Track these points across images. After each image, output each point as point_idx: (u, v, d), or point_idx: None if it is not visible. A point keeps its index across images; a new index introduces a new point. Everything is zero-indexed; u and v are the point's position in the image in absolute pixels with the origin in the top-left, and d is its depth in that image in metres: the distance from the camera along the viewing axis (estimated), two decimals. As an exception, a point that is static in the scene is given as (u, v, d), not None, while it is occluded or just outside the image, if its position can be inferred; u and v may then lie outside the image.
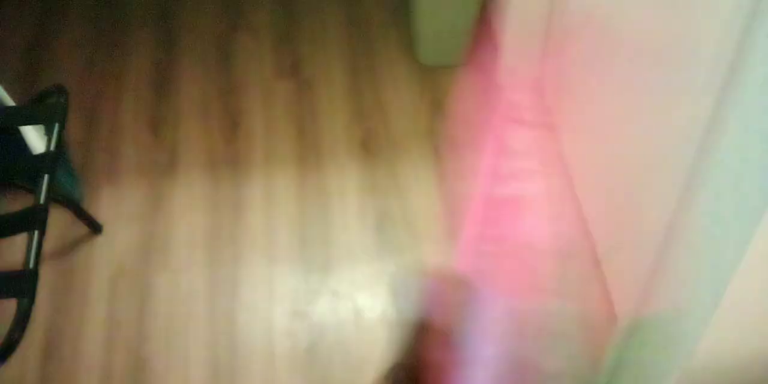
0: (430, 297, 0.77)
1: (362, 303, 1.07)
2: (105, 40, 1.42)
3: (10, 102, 1.03)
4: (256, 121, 1.28)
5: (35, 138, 1.04)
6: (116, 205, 1.17)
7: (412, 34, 1.35)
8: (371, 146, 1.25)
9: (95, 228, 1.14)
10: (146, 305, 1.07)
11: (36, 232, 0.81)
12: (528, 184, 0.96)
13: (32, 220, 0.83)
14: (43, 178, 0.87)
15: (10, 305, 0.76)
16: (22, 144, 1.03)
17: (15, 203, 1.08)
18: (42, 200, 0.85)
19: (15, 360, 0.94)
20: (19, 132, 1.02)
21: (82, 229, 1.13)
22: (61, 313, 1.06)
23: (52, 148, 0.90)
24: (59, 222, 1.13)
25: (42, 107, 0.98)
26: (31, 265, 0.79)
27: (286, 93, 1.32)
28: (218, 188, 1.19)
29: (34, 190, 0.86)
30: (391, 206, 1.16)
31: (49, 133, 0.92)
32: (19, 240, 0.83)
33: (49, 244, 1.11)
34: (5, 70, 1.33)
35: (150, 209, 1.17)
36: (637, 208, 0.87)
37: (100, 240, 1.14)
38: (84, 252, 1.12)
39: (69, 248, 1.13)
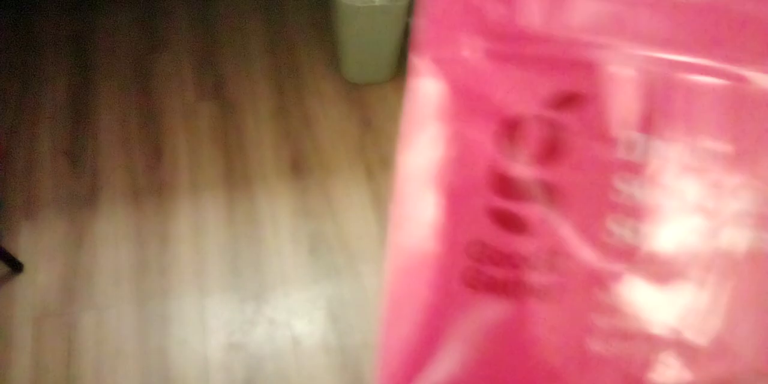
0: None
1: (300, 330, 1.04)
2: (16, 69, 1.35)
3: None
4: (179, 146, 1.24)
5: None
6: (36, 242, 1.12)
7: (337, 51, 1.32)
8: (301, 168, 1.22)
9: (15, 267, 1.08)
10: (73, 345, 1.02)
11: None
12: None
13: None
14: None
15: None
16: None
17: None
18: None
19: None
20: None
21: (2, 268, 1.07)
22: (-19, 360, 1.00)
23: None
24: (-26, 263, 1.07)
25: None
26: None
27: (209, 115, 1.28)
28: (143, 218, 1.14)
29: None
30: (325, 228, 1.14)
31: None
32: None
33: (-36, 288, 1.05)
34: None
35: (72, 244, 1.11)
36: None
37: (21, 279, 1.08)
38: (4, 292, 1.07)
39: (-13, 290, 1.07)
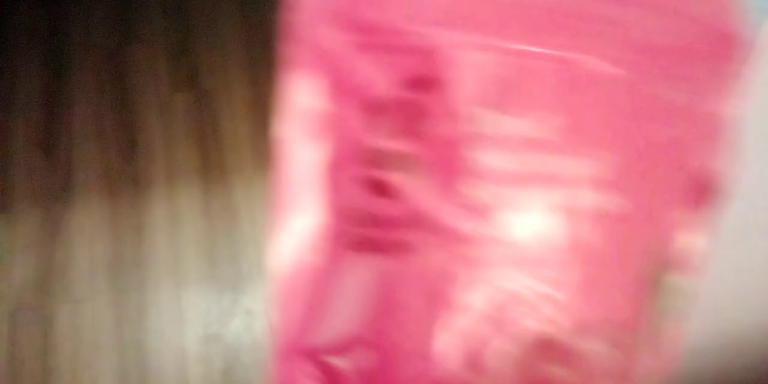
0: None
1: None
2: (-10, 60, 1.34)
3: None
4: (154, 137, 1.23)
5: None
6: (10, 235, 1.11)
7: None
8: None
9: (-11, 261, 1.08)
10: (50, 339, 1.02)
11: None
12: None
13: None
14: None
15: None
16: None
17: None
18: None
19: None
20: None
21: (-25, 263, 1.07)
22: (-45, 355, 1.00)
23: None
24: (-52, 257, 1.07)
25: None
26: None
27: (185, 107, 1.27)
28: (118, 211, 1.14)
29: None
30: (302, 218, 1.13)
31: None
32: None
33: (-63, 282, 1.05)
34: None
35: (47, 237, 1.11)
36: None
37: (-5, 273, 1.08)
38: (-21, 287, 1.06)
39: (-39, 285, 1.07)
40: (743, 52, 0.34)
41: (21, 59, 1.34)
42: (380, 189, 0.26)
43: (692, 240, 0.36)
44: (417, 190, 0.26)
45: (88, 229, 1.12)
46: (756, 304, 0.82)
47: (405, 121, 0.26)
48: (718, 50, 0.34)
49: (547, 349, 0.29)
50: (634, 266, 0.31)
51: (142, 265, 1.08)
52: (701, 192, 0.34)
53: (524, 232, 0.28)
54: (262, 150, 1.22)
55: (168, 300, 1.05)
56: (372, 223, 0.26)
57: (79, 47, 1.36)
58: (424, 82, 0.26)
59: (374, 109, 0.26)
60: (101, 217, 1.13)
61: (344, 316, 0.26)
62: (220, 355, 1.00)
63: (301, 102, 0.26)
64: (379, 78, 0.26)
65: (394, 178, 0.26)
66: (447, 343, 0.27)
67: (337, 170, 0.26)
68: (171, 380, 0.98)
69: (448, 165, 0.26)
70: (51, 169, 1.19)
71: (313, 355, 0.27)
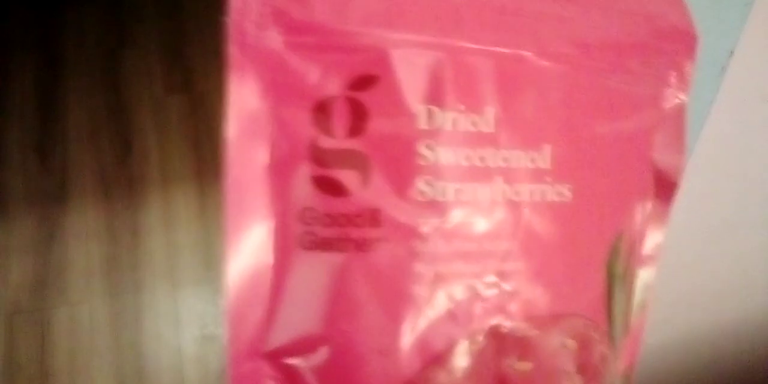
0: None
1: (273, 321, 1.04)
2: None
3: None
4: (149, 140, 1.24)
5: None
6: (6, 239, 1.11)
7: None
8: (272, 159, 1.22)
9: (-14, 264, 1.08)
10: (47, 342, 1.02)
11: None
12: None
13: None
14: None
15: None
16: None
17: None
18: None
19: None
20: None
21: (-28, 266, 1.07)
22: (-47, 358, 1.00)
23: None
24: (-56, 261, 1.07)
25: None
26: None
27: (179, 109, 1.28)
28: (114, 213, 1.14)
29: None
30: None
31: None
32: None
33: (-66, 286, 1.05)
34: None
35: (43, 240, 1.11)
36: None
37: (-8, 276, 1.08)
38: (-24, 291, 1.07)
39: (-43, 288, 1.07)
40: (692, 47, 0.35)
41: (16, 62, 1.34)
42: (331, 187, 0.26)
43: (654, 233, 0.36)
44: (372, 187, 0.26)
45: (83, 232, 1.12)
46: (708, 302, 0.83)
47: (350, 120, 0.26)
48: (668, 45, 0.35)
49: (510, 344, 0.29)
50: (594, 259, 0.32)
51: (137, 266, 1.08)
52: (659, 184, 0.35)
53: (479, 227, 0.28)
54: (256, 151, 1.20)
55: (164, 301, 1.05)
56: (325, 222, 0.26)
57: (74, 50, 1.37)
58: (370, 81, 0.27)
59: (318, 108, 0.26)
60: (97, 219, 1.13)
61: (301, 315, 0.26)
62: (216, 355, 1.01)
63: (242, 104, 0.27)
64: (320, 78, 0.26)
65: (344, 176, 0.26)
66: (409, 340, 0.27)
67: (283, 170, 0.26)
68: (168, 381, 0.98)
69: (397, 162, 0.27)
70: (46, 172, 1.19)
71: (271, 357, 0.27)
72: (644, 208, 0.34)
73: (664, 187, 0.34)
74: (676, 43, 0.34)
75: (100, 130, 1.24)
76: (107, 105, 1.28)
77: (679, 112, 0.35)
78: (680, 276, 0.78)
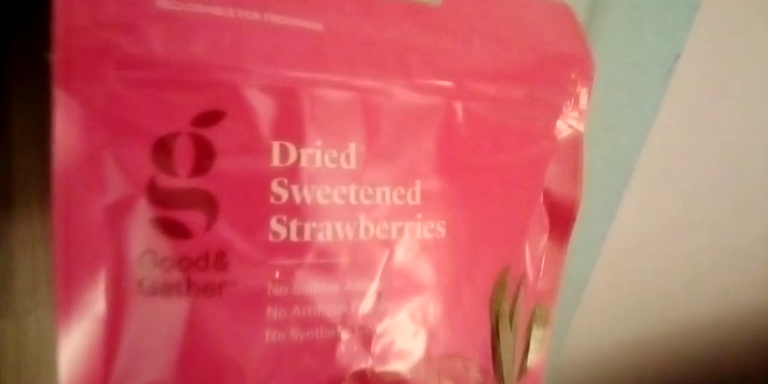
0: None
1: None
2: None
3: None
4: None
5: None
6: (-52, 249, 1.07)
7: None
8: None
9: (-73, 275, 1.04)
10: (-8, 354, 0.99)
11: None
12: None
13: None
14: None
15: None
16: None
17: None
18: None
19: None
20: None
21: None
22: None
23: None
24: None
25: None
26: None
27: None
28: (60, 221, 1.11)
29: None
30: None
31: None
32: None
33: None
34: None
35: (-13, 250, 1.08)
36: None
37: (-66, 288, 1.04)
38: None
39: None
40: (588, 75, 0.33)
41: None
42: (172, 229, 0.24)
43: (551, 267, 0.35)
44: (218, 229, 0.24)
45: (29, 240, 1.08)
46: (658, 303, 0.84)
47: (195, 158, 0.24)
48: (559, 74, 0.33)
49: (385, 382, 0.27)
50: (477, 297, 0.30)
51: (86, 275, 1.06)
52: (555, 217, 0.33)
53: (341, 268, 0.26)
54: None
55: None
56: (165, 266, 0.24)
57: (17, 54, 1.32)
58: (216, 117, 0.24)
59: (165, 148, 0.24)
60: (42, 227, 1.10)
61: (142, 364, 0.24)
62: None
63: (67, 145, 0.25)
64: (159, 114, 0.24)
65: (187, 217, 0.24)
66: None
67: (120, 212, 0.24)
68: (118, 392, 0.96)
69: (246, 201, 0.25)
70: (-10, 180, 1.15)
71: None
72: (537, 242, 0.32)
73: (561, 220, 0.32)
74: (568, 72, 0.32)
75: (45, 137, 1.20)
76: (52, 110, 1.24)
77: (575, 141, 0.32)
78: (630, 277, 0.79)
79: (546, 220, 0.32)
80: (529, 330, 0.32)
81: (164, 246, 0.24)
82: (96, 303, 0.24)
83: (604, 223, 0.59)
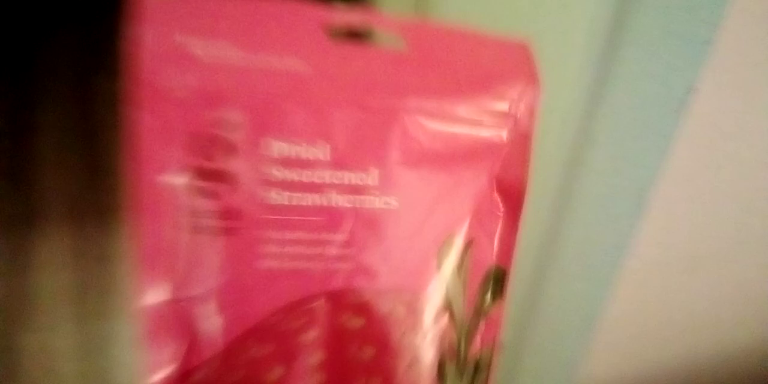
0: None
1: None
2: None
3: None
4: (120, 166, 1.23)
5: None
6: (-26, 264, 1.10)
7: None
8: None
9: (-49, 290, 1.06)
10: (12, 370, 1.00)
11: None
12: None
13: None
14: None
15: None
16: None
17: None
18: None
19: None
20: None
21: (-64, 292, 1.06)
22: None
23: None
24: None
25: None
26: None
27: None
28: (83, 239, 1.13)
29: None
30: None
31: None
32: None
33: None
34: None
35: (8, 265, 1.10)
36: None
37: (-43, 302, 1.06)
38: (-60, 317, 1.05)
39: None
40: (532, 93, 0.45)
41: (-13, 86, 1.33)
42: (210, 194, 0.39)
43: (505, 234, 0.45)
44: (235, 194, 0.39)
45: (52, 258, 1.11)
46: (657, 340, 0.83)
47: (224, 150, 0.38)
48: (504, 91, 0.44)
49: (348, 303, 0.39)
50: (425, 253, 0.41)
51: (107, 292, 1.07)
52: (507, 198, 0.44)
53: (316, 223, 0.39)
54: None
55: (134, 329, 1.04)
56: (208, 216, 0.40)
57: (46, 75, 1.35)
58: (227, 122, 0.38)
59: (199, 142, 0.39)
60: (66, 245, 1.12)
61: (197, 277, 0.41)
62: None
63: (154, 135, 0.38)
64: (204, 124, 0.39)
65: (220, 186, 0.39)
66: (264, 286, 0.40)
67: (179, 182, 0.40)
68: (135, 410, 0.97)
69: (256, 179, 0.40)
70: (15, 198, 1.17)
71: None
72: (488, 218, 0.43)
73: (512, 201, 0.43)
74: (513, 90, 0.43)
75: (71, 155, 1.23)
76: (78, 130, 1.27)
77: (523, 140, 0.43)
78: (651, 310, 0.79)
79: (498, 200, 0.44)
80: (486, 282, 0.44)
81: (203, 204, 0.37)
82: (166, 237, 0.37)
83: (617, 253, 0.59)
